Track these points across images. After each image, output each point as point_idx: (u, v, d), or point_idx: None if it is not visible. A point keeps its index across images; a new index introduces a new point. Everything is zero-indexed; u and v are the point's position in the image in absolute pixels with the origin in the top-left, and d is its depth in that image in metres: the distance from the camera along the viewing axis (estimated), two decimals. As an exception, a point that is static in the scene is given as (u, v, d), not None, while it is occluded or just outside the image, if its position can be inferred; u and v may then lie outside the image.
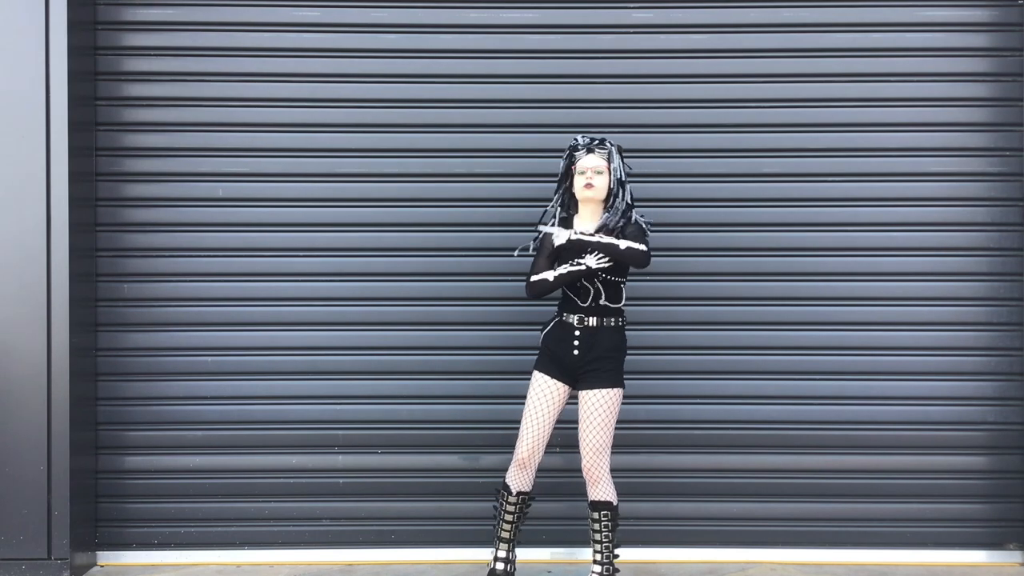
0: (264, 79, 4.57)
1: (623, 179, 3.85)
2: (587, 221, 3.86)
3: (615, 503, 3.87)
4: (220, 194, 4.57)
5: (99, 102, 4.54)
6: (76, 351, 4.30)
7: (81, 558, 4.37)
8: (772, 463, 4.57)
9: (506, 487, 3.95)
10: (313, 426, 4.57)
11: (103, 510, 4.54)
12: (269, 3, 4.56)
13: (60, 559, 4.25)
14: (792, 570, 4.43)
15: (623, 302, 3.89)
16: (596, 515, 3.87)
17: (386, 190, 4.59)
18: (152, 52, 4.56)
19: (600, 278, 3.81)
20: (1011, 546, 4.56)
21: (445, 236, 4.56)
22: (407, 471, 4.57)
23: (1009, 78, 4.58)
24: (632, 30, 4.59)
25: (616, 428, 4.52)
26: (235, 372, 4.57)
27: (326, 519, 4.57)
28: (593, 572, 3.93)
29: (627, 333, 4.48)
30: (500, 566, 3.97)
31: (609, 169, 3.82)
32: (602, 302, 3.83)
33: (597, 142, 3.84)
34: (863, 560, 4.53)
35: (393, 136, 4.59)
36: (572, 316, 3.84)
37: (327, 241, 4.58)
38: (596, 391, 3.81)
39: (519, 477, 3.92)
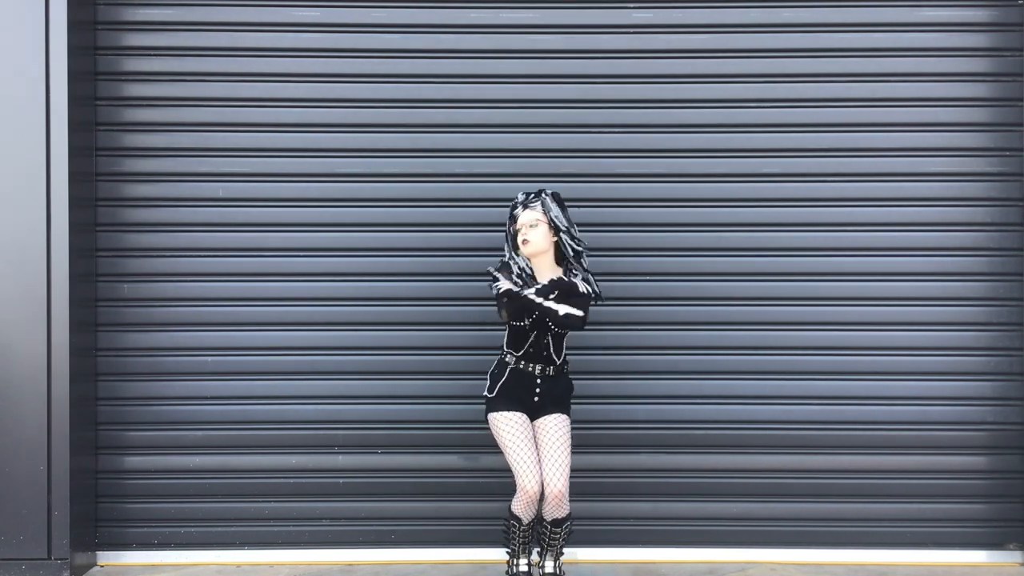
0: (264, 79, 4.57)
1: (566, 227, 3.88)
2: (543, 273, 3.89)
3: (570, 514, 3.94)
4: (220, 194, 4.57)
5: (99, 102, 4.54)
6: (76, 351, 4.30)
7: (81, 558, 4.37)
8: (772, 463, 4.57)
9: (516, 518, 3.90)
10: (313, 426, 4.57)
11: (103, 510, 4.54)
12: (269, 3, 4.56)
13: (60, 559, 4.25)
14: (792, 570, 4.43)
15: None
16: (558, 530, 3.92)
17: (386, 190, 4.59)
18: (152, 52, 4.56)
19: (551, 332, 3.84)
20: (1011, 546, 4.56)
21: (445, 236, 4.56)
22: (407, 471, 4.57)
23: (1009, 78, 4.58)
24: (632, 30, 4.59)
25: (616, 428, 4.57)
26: (235, 372, 4.57)
27: (326, 519, 4.57)
28: (547, 569, 3.98)
29: (626, 334, 4.51)
30: (525, 568, 3.97)
31: (548, 219, 3.85)
32: (555, 354, 3.89)
33: (532, 196, 3.88)
34: (863, 560, 4.53)
35: (393, 136, 4.59)
36: (533, 366, 3.87)
37: (327, 241, 4.58)
38: (555, 416, 3.90)
39: (529, 510, 3.87)
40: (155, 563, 4.52)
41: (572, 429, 4.42)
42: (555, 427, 3.88)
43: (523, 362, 3.88)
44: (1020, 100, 4.57)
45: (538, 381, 3.88)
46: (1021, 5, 4.57)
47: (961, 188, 4.58)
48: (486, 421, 3.90)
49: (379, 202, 4.58)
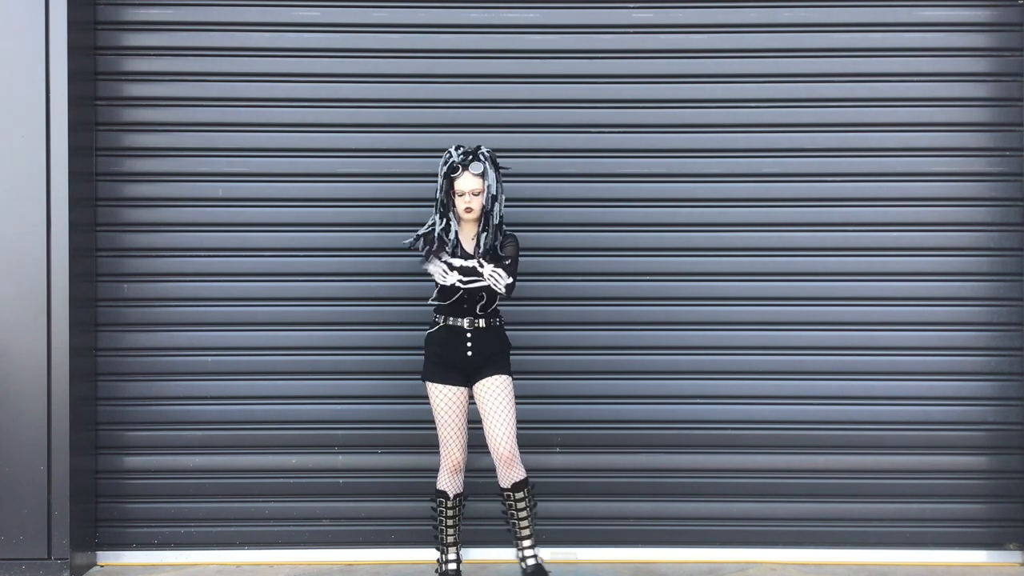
0: (264, 79, 4.57)
1: (496, 194, 3.86)
2: (467, 237, 3.90)
3: (527, 476, 3.95)
4: (220, 194, 4.57)
5: (99, 102, 4.54)
6: (76, 351, 4.30)
7: (81, 558, 4.37)
8: (772, 463, 4.57)
9: (442, 494, 3.99)
10: (313, 426, 4.57)
11: (103, 510, 4.54)
12: (269, 3, 4.56)
13: (60, 559, 4.25)
14: (792, 570, 4.43)
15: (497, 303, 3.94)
16: (520, 495, 3.93)
17: (386, 190, 4.59)
18: (152, 52, 4.56)
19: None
20: (1011, 546, 4.55)
21: (445, 236, 4.55)
22: (407, 471, 4.57)
23: (1009, 78, 4.58)
24: (632, 30, 4.59)
25: (617, 428, 4.57)
26: (235, 372, 4.57)
27: (326, 519, 4.57)
28: (527, 554, 3.95)
29: (628, 333, 4.48)
30: (453, 567, 4.00)
31: (484, 186, 3.83)
32: (489, 308, 3.89)
33: (471, 158, 3.82)
34: (863, 560, 4.53)
35: (393, 136, 4.59)
36: (461, 320, 3.87)
37: (327, 241, 4.58)
38: (494, 377, 3.88)
39: (453, 481, 3.98)
40: (155, 563, 4.52)
41: (570, 428, 4.43)
42: (497, 389, 3.87)
43: (451, 318, 3.88)
44: (1020, 100, 4.57)
45: (468, 335, 3.86)
46: (1021, 5, 4.57)
47: (961, 188, 4.58)
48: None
49: (379, 202, 4.58)
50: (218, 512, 4.56)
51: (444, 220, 3.88)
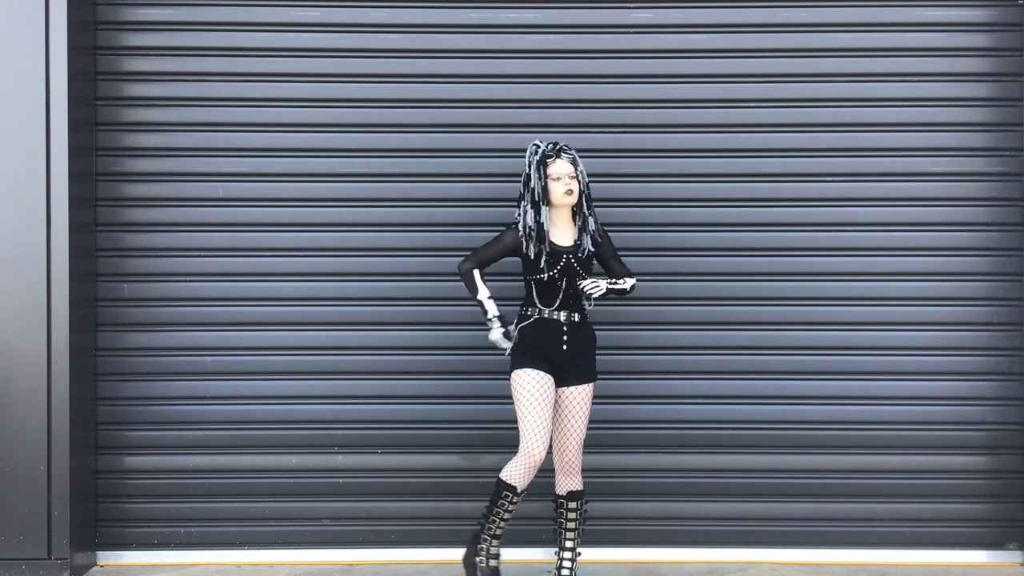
0: (264, 79, 4.57)
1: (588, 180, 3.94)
2: (561, 228, 3.89)
3: (583, 490, 4.03)
4: (220, 194, 4.57)
5: (99, 102, 4.54)
6: (76, 351, 4.30)
7: (81, 558, 4.37)
8: (772, 463, 4.57)
9: (511, 488, 3.83)
10: (313, 426, 4.57)
11: (103, 510, 4.54)
12: (269, 3, 4.56)
13: (60, 559, 4.25)
14: (792, 570, 4.43)
15: None
16: (574, 504, 3.98)
17: (386, 190, 4.59)
18: (152, 52, 4.56)
19: (580, 278, 3.87)
20: (1011, 546, 4.56)
21: (445, 236, 4.56)
22: (407, 471, 4.57)
23: (1009, 78, 4.58)
24: (632, 30, 4.59)
25: (616, 428, 4.57)
26: (235, 372, 4.57)
27: (326, 519, 4.57)
28: (564, 564, 3.99)
29: (627, 333, 4.48)
30: (495, 563, 3.96)
31: (577, 173, 3.86)
32: (579, 301, 3.91)
33: (561, 146, 3.87)
34: (863, 560, 4.53)
35: (393, 136, 4.59)
36: (558, 313, 3.86)
37: (327, 241, 4.58)
38: (582, 387, 3.91)
39: (528, 477, 3.80)
40: (155, 563, 4.52)
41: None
42: (582, 400, 3.91)
43: (548, 311, 3.86)
44: (1020, 100, 4.57)
45: (564, 329, 3.86)
46: (1021, 5, 4.57)
47: (961, 188, 4.58)
48: (508, 377, 3.88)
49: (379, 202, 4.58)
50: (218, 512, 4.56)
51: (535, 210, 3.81)
